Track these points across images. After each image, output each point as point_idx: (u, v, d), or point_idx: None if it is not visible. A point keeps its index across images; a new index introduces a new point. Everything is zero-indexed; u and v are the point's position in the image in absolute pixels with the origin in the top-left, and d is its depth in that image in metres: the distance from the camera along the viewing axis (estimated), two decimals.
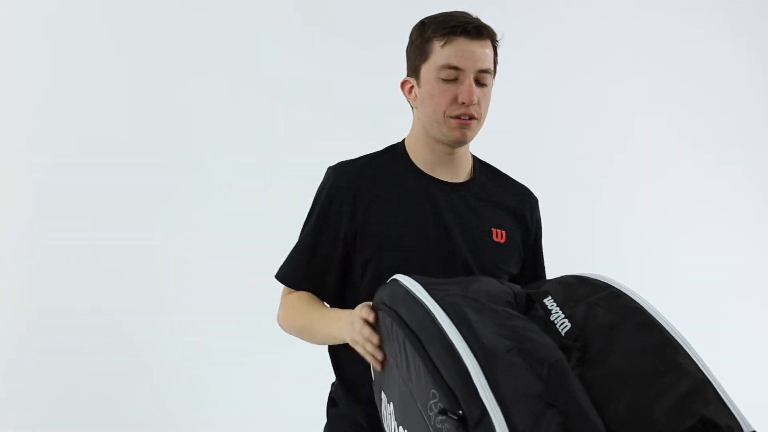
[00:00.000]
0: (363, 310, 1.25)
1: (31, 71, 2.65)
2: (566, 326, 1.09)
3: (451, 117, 1.41)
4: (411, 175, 1.49)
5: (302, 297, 1.49)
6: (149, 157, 2.72)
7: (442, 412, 0.96)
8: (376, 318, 1.22)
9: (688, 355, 1.05)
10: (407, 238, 1.44)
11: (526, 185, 1.61)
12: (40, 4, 2.65)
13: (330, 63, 2.87)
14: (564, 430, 0.91)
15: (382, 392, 1.24)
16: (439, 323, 1.05)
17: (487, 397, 0.94)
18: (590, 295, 1.16)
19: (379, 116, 2.64)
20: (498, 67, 1.47)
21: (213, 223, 2.71)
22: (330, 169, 1.52)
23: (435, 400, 1.00)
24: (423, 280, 1.17)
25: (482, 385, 0.95)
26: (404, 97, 1.52)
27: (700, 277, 3.16)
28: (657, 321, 1.10)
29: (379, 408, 1.28)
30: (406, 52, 1.50)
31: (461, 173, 1.51)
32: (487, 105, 1.45)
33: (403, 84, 1.50)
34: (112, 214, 2.68)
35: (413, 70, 1.47)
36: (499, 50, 1.46)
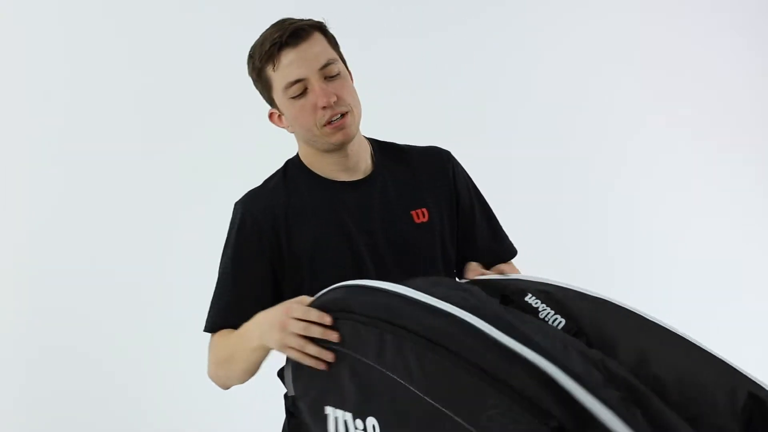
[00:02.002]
0: (298, 309, 1.15)
1: (31, 71, 2.66)
2: (561, 322, 1.09)
3: (324, 125, 1.37)
4: (319, 188, 1.45)
5: (221, 333, 1.41)
6: (149, 157, 2.73)
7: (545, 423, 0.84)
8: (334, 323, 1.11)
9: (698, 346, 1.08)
10: (336, 251, 1.40)
11: (430, 146, 1.56)
12: (40, 4, 2.66)
13: None
14: (649, 420, 0.86)
15: (332, 408, 1.12)
16: (479, 328, 0.95)
17: (587, 399, 0.85)
18: (575, 297, 1.14)
19: (377, 115, 2.65)
20: (342, 49, 1.43)
21: (214, 224, 2.71)
22: (238, 203, 1.46)
23: (496, 410, 0.89)
24: (403, 284, 1.08)
25: (573, 386, 0.86)
26: (277, 127, 1.48)
27: (704, 273, 3.16)
28: (651, 319, 1.11)
29: (320, 425, 1.14)
30: (255, 87, 1.47)
31: (363, 167, 1.47)
32: (351, 92, 1.40)
33: (270, 117, 1.48)
34: (112, 215, 2.69)
35: (269, 101, 1.45)
36: (333, 31, 1.43)
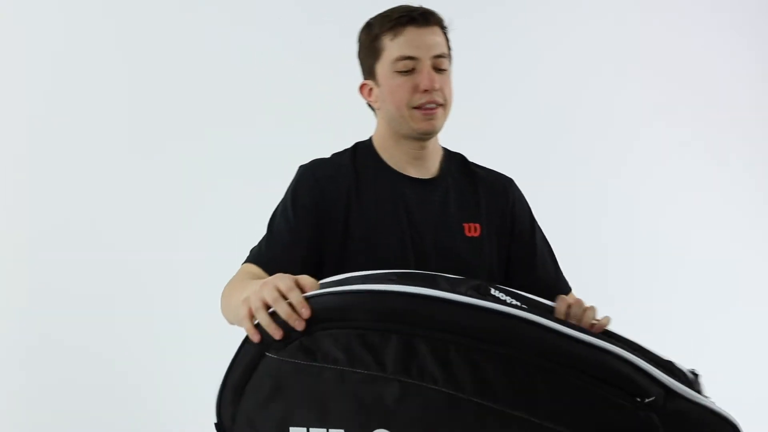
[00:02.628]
0: (285, 281, 1.06)
1: (31, 70, 2.66)
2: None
3: (415, 108, 1.40)
4: (384, 175, 1.46)
5: (252, 272, 1.35)
6: (148, 157, 2.73)
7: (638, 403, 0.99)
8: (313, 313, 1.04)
9: None
10: (383, 241, 1.40)
11: (497, 171, 1.58)
12: (40, 5, 2.66)
13: (330, 62, 2.87)
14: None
15: (301, 428, 1.04)
16: (545, 323, 1.00)
17: (662, 377, 1.01)
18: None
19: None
20: (453, 53, 1.46)
21: (214, 224, 2.71)
22: (304, 167, 1.46)
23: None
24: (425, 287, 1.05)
25: (645, 365, 1.01)
26: (366, 101, 1.49)
27: (703, 276, 3.17)
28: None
29: None
30: (358, 56, 1.49)
31: (431, 168, 1.49)
32: (450, 91, 1.44)
33: (361, 88, 1.49)
34: (112, 215, 2.69)
35: (368, 71, 1.46)
36: (450, 35, 1.45)
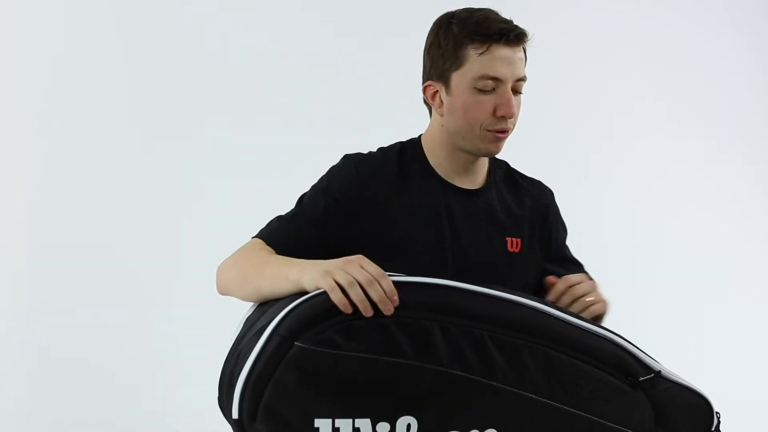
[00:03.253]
0: (373, 266, 1.10)
1: (31, 70, 2.66)
2: None
3: (488, 130, 1.34)
4: (429, 182, 1.40)
5: (265, 248, 1.32)
6: (147, 158, 2.74)
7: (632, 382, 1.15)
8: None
9: None
10: (420, 249, 1.35)
11: (538, 180, 1.55)
12: (41, 4, 2.66)
13: (330, 62, 2.87)
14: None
15: (327, 419, 1.06)
16: (560, 315, 1.16)
17: (650, 361, 1.18)
18: None
19: (382, 116, 2.65)
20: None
21: (214, 224, 2.72)
22: (348, 159, 1.40)
23: (585, 377, 1.14)
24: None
25: (636, 350, 1.18)
26: (425, 99, 1.42)
27: (703, 273, 3.17)
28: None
29: None
30: (428, 52, 1.39)
31: (479, 178, 1.44)
32: (519, 113, 1.39)
33: (425, 89, 1.41)
34: (112, 215, 2.70)
35: (440, 75, 1.36)
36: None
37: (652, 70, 3.23)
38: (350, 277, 1.07)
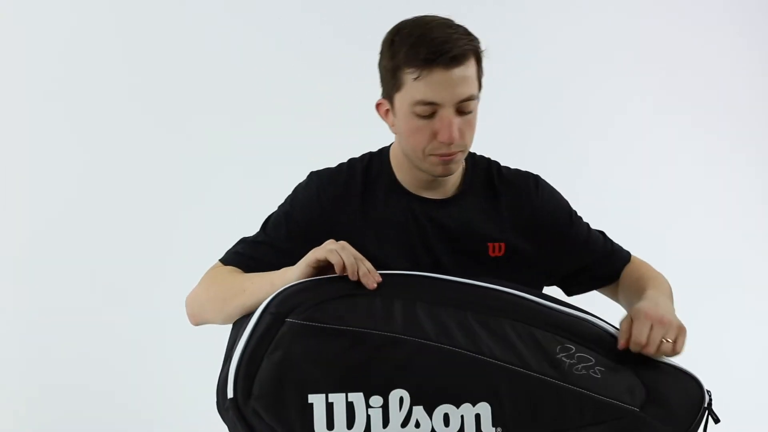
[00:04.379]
0: (353, 249, 1.18)
1: (30, 69, 2.66)
2: None
3: (432, 154, 1.27)
4: (396, 197, 1.36)
5: (232, 269, 1.33)
6: (146, 158, 2.74)
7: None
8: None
9: None
10: (396, 268, 1.28)
11: (519, 174, 1.46)
12: (41, 4, 2.66)
13: (330, 62, 2.88)
14: None
15: (320, 395, 1.06)
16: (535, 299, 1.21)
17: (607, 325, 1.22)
18: None
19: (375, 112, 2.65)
20: (484, 80, 1.31)
21: (214, 224, 2.72)
22: (311, 180, 1.38)
23: (571, 351, 1.16)
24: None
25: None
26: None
27: (703, 273, 3.16)
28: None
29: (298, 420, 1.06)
30: (378, 67, 1.32)
31: (449, 189, 1.39)
32: (473, 131, 1.30)
33: (378, 106, 1.35)
34: (112, 216, 2.70)
35: (387, 94, 1.31)
36: (485, 60, 1.29)
37: (650, 69, 3.23)
38: (351, 257, 1.14)
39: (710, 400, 1.20)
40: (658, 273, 1.51)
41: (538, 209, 1.42)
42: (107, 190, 2.70)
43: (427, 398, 1.08)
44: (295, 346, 1.08)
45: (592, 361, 1.16)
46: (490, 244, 1.38)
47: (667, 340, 1.18)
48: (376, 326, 1.10)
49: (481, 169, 1.44)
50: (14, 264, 2.62)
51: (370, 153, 1.44)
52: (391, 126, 1.35)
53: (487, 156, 1.49)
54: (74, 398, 2.62)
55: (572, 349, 1.16)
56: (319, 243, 1.25)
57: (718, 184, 3.29)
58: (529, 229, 1.41)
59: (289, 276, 1.18)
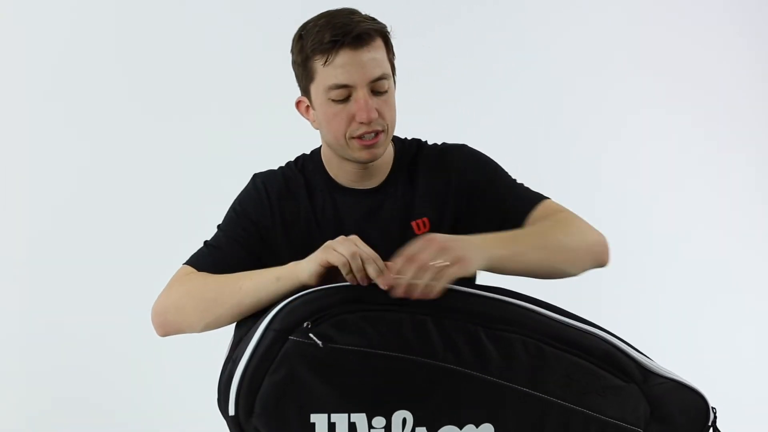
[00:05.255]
0: (367, 247, 1.11)
1: (30, 68, 2.66)
2: None
3: (354, 138, 1.30)
4: (331, 192, 1.40)
5: (204, 274, 1.30)
6: (146, 157, 2.73)
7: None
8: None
9: None
10: None
11: (443, 146, 1.45)
12: (41, 3, 2.66)
13: None
14: None
15: (322, 414, 1.06)
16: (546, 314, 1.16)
17: (638, 357, 1.19)
18: None
19: None
20: (397, 62, 1.32)
21: (212, 223, 2.71)
22: (255, 179, 1.42)
23: (579, 369, 1.13)
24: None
25: (624, 346, 1.19)
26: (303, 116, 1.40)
27: (703, 274, 3.17)
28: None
29: None
30: (292, 66, 1.36)
31: (380, 175, 1.41)
32: (392, 110, 1.31)
33: (297, 104, 1.39)
34: (111, 215, 2.69)
35: (303, 89, 1.35)
36: (394, 41, 1.31)
37: (650, 71, 3.23)
38: (353, 248, 1.09)
39: (715, 417, 1.21)
40: (565, 216, 1.35)
41: (454, 174, 1.41)
42: (106, 190, 2.69)
43: (430, 419, 1.07)
44: (298, 366, 1.06)
45: (598, 379, 1.14)
46: (413, 223, 1.39)
47: (439, 262, 1.10)
48: (381, 345, 1.07)
49: (407, 152, 1.45)
50: (14, 264, 2.62)
51: (303, 155, 1.47)
52: (313, 122, 1.37)
53: (420, 138, 1.50)
54: (73, 399, 2.62)
55: (580, 366, 1.13)
56: (274, 236, 1.33)
57: (718, 184, 3.29)
58: (450, 197, 1.40)
59: (299, 273, 1.14)
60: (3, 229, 2.63)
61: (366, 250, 1.09)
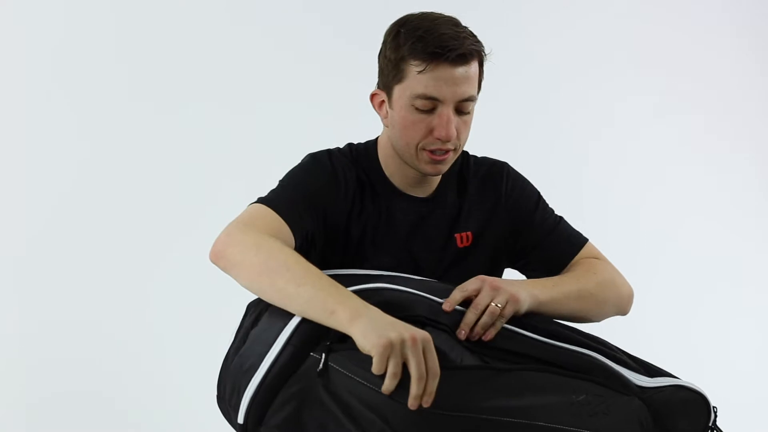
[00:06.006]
0: (432, 349, 1.01)
1: (30, 67, 2.66)
2: None
3: (425, 150, 1.28)
4: (383, 190, 1.37)
5: (291, 247, 1.21)
6: (146, 159, 2.74)
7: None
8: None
9: None
10: (376, 262, 1.32)
11: (488, 161, 1.46)
12: (41, 5, 2.66)
13: (330, 62, 2.88)
14: None
15: None
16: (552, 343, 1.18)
17: (629, 376, 1.18)
18: None
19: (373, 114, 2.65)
20: (483, 84, 1.32)
21: (214, 225, 2.72)
22: (313, 157, 1.35)
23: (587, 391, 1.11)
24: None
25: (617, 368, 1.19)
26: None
27: (703, 274, 3.17)
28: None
29: None
30: (379, 59, 1.32)
31: (432, 186, 1.40)
32: (468, 132, 1.31)
33: (372, 96, 1.35)
34: (111, 215, 2.70)
35: (385, 85, 1.31)
36: (486, 63, 1.30)
37: (649, 70, 3.23)
38: (401, 365, 0.99)
39: (715, 416, 1.21)
40: (603, 267, 1.40)
41: (503, 196, 1.43)
42: (105, 185, 2.69)
43: None
44: (313, 384, 1.04)
45: (602, 396, 1.11)
46: (457, 236, 1.39)
47: (497, 305, 1.15)
48: (379, 384, 1.00)
49: (456, 161, 1.43)
50: (13, 263, 2.63)
51: (352, 145, 1.42)
52: (384, 118, 1.34)
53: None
54: (73, 399, 2.62)
55: (588, 388, 1.11)
56: (331, 208, 1.28)
57: (718, 184, 3.29)
58: (495, 217, 1.42)
59: (356, 333, 1.02)
60: (2, 227, 2.63)
61: (430, 367, 1.00)
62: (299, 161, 1.38)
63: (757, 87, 3.36)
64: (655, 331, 2.92)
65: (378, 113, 1.36)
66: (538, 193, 1.49)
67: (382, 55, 1.31)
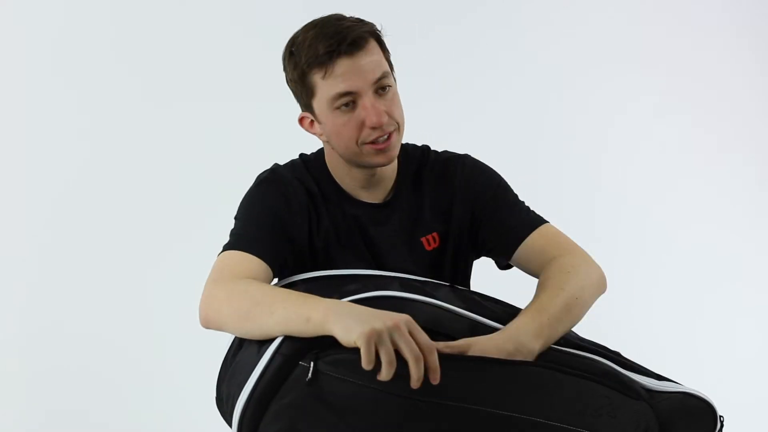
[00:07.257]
0: (419, 330, 1.00)
1: (29, 67, 2.66)
2: None
3: (367, 143, 1.28)
4: (339, 200, 1.37)
5: (263, 281, 1.23)
6: (146, 160, 2.74)
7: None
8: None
9: None
10: (347, 264, 1.32)
11: (447, 155, 1.44)
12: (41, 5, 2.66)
13: None
14: None
15: None
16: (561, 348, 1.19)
17: (636, 381, 1.18)
18: None
19: None
20: (392, 57, 1.30)
21: (214, 224, 2.71)
22: (259, 183, 1.36)
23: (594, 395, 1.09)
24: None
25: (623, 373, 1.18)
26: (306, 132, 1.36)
27: (703, 274, 3.18)
28: None
29: None
30: (287, 84, 1.34)
31: (385, 191, 1.40)
32: (400, 108, 1.30)
33: (301, 121, 1.35)
34: (110, 215, 2.70)
35: (305, 105, 1.32)
36: (387, 39, 1.29)
37: (650, 70, 3.24)
38: (392, 352, 0.98)
39: (722, 426, 1.20)
40: (570, 257, 1.33)
41: (459, 188, 1.41)
42: (107, 187, 2.70)
43: None
44: (305, 392, 1.03)
45: (609, 399, 1.11)
46: (423, 239, 1.38)
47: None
48: (379, 383, 0.99)
49: (413, 161, 1.43)
50: (13, 263, 2.62)
51: (305, 157, 1.42)
52: (320, 135, 1.34)
53: (422, 145, 1.49)
54: (73, 400, 2.62)
55: (594, 389, 1.11)
56: (293, 228, 1.29)
57: (718, 184, 3.29)
58: (455, 210, 1.40)
59: (336, 329, 1.02)
60: (2, 227, 2.62)
61: (423, 345, 0.99)
62: (247, 189, 1.38)
63: (757, 87, 3.36)
64: (655, 332, 2.92)
65: (312, 134, 1.36)
66: (500, 178, 1.45)
67: (288, 80, 1.33)
